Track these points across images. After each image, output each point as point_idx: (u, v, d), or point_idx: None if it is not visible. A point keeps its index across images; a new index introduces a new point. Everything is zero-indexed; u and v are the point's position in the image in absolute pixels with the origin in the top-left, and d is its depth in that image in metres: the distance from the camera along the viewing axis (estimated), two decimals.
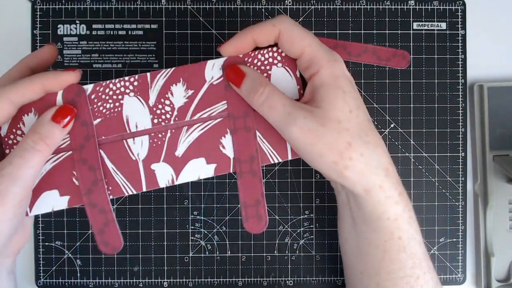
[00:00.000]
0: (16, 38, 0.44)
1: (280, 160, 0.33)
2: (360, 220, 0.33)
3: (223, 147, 0.32)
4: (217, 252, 0.44)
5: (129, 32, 0.44)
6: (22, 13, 0.44)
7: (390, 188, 0.31)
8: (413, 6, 0.45)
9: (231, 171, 0.32)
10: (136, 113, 0.32)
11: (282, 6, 0.44)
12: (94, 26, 0.44)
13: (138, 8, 0.44)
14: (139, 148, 0.32)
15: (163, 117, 0.32)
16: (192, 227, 0.44)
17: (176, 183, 0.32)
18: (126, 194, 0.32)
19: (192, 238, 0.44)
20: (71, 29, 0.44)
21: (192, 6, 0.44)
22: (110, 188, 0.32)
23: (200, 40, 0.44)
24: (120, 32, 0.44)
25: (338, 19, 0.44)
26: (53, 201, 0.32)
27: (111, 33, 0.44)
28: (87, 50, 0.44)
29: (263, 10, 0.44)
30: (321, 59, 0.30)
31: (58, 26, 0.44)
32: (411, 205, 0.33)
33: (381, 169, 0.31)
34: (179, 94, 0.32)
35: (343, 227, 0.36)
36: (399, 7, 0.45)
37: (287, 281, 0.44)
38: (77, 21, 0.44)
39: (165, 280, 0.44)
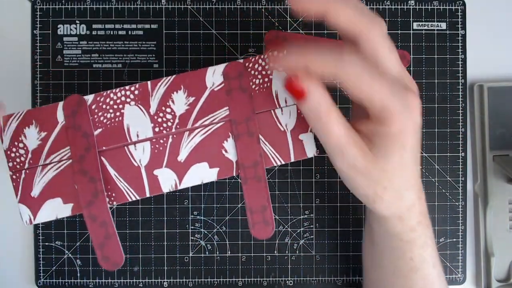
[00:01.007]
0: (16, 38, 0.44)
1: (283, 162, 0.33)
2: (376, 233, 0.34)
3: (226, 151, 0.32)
4: (217, 252, 0.44)
5: (129, 32, 0.44)
6: (22, 13, 0.44)
7: (409, 218, 0.31)
8: (413, 6, 0.45)
9: (234, 174, 0.32)
10: (137, 122, 0.32)
11: (282, 6, 0.44)
12: (94, 26, 0.44)
13: (138, 8, 0.44)
14: (140, 154, 0.32)
15: (165, 125, 0.32)
16: (192, 227, 0.44)
17: (179, 188, 0.32)
18: (129, 200, 0.32)
19: (192, 238, 0.44)
20: (71, 29, 0.44)
21: (192, 6, 0.44)
22: (113, 194, 0.32)
23: (200, 40, 0.44)
24: (120, 32, 0.44)
25: None
26: (57, 209, 0.32)
27: (111, 33, 0.44)
28: (87, 50, 0.44)
29: (263, 10, 0.44)
30: (393, 112, 0.27)
31: (58, 26, 0.44)
32: (430, 231, 0.33)
33: (404, 207, 0.31)
34: (180, 102, 0.32)
35: (364, 232, 0.37)
36: (399, 7, 0.45)
37: (287, 281, 0.44)
38: (77, 21, 0.44)
39: (165, 280, 0.44)
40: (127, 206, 0.44)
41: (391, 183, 0.29)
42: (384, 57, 0.27)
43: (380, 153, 0.28)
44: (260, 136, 0.32)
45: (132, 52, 0.44)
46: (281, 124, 0.32)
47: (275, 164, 0.33)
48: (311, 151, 0.32)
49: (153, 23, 0.44)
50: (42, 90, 0.44)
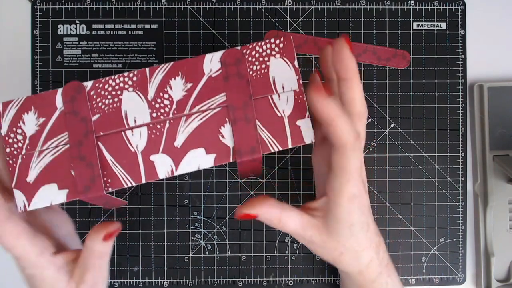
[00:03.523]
0: (16, 38, 0.44)
1: (281, 148, 0.33)
2: (345, 282, 0.38)
3: (223, 136, 0.32)
4: (217, 252, 0.44)
5: (129, 32, 0.44)
6: (22, 13, 0.44)
7: (368, 273, 0.35)
8: (413, 6, 0.45)
9: (230, 160, 0.32)
10: (134, 108, 0.32)
11: (282, 6, 0.44)
12: (94, 26, 0.44)
13: (138, 8, 0.44)
14: (137, 139, 0.32)
15: (162, 110, 0.32)
16: (192, 227, 0.44)
17: (175, 173, 0.32)
18: (125, 186, 0.32)
19: (192, 238, 0.44)
20: (71, 29, 0.44)
21: (192, 6, 0.44)
22: (109, 180, 0.32)
23: (200, 40, 0.44)
24: (120, 32, 0.44)
25: (338, 19, 0.44)
26: (52, 195, 0.32)
27: (111, 33, 0.44)
28: (87, 50, 0.44)
29: (263, 10, 0.44)
30: (338, 205, 0.32)
31: (58, 26, 0.44)
32: (393, 278, 0.36)
33: (363, 265, 0.34)
34: (178, 88, 0.32)
35: (340, 279, 0.41)
36: (399, 7, 0.45)
37: (287, 281, 0.44)
38: (77, 21, 0.44)
39: (165, 280, 0.44)
40: (127, 206, 0.44)
41: (346, 249, 0.33)
42: (355, 98, 0.31)
43: (332, 229, 0.33)
44: (257, 122, 0.32)
45: (132, 52, 0.44)
46: (278, 110, 0.32)
47: (272, 150, 0.32)
48: (308, 137, 0.32)
49: (153, 23, 0.44)
50: (42, 90, 0.44)
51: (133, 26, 0.44)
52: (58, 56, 0.44)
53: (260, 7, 0.44)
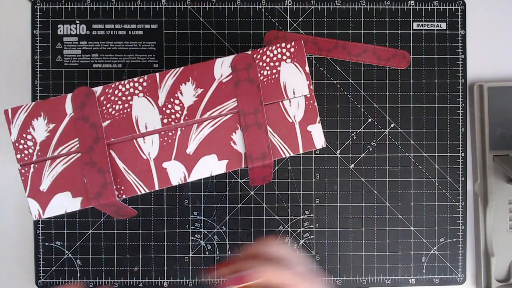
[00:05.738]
0: (16, 38, 0.44)
1: (292, 154, 0.33)
2: None
3: (234, 143, 0.32)
4: (217, 252, 0.44)
5: (129, 32, 0.44)
6: (22, 13, 0.44)
7: None
8: (413, 6, 0.45)
9: (242, 166, 0.32)
10: (145, 113, 0.32)
11: (282, 6, 0.44)
12: (94, 26, 0.44)
13: (138, 8, 0.44)
14: (149, 147, 0.32)
15: (173, 116, 0.32)
16: (192, 227, 0.44)
17: (188, 180, 0.32)
18: (139, 193, 0.32)
19: (192, 238, 0.44)
20: (71, 29, 0.44)
21: (192, 6, 0.44)
22: (122, 188, 0.32)
23: (200, 40, 0.44)
24: (120, 32, 0.44)
25: (338, 19, 0.44)
26: (66, 203, 0.32)
27: (111, 33, 0.44)
28: (87, 50, 0.44)
29: (263, 10, 0.44)
30: None
31: (58, 26, 0.44)
32: None
33: None
34: (188, 93, 0.32)
35: None
36: (399, 7, 0.45)
37: None
38: (77, 21, 0.44)
39: (165, 280, 0.44)
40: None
41: None
42: None
43: None
44: (268, 128, 0.32)
45: (132, 52, 0.44)
46: (289, 115, 0.33)
47: (283, 156, 0.33)
48: (319, 142, 0.33)
49: (153, 23, 0.44)
50: (42, 90, 0.44)
51: (133, 26, 0.44)
52: (58, 56, 0.44)
53: (260, 7, 0.44)
